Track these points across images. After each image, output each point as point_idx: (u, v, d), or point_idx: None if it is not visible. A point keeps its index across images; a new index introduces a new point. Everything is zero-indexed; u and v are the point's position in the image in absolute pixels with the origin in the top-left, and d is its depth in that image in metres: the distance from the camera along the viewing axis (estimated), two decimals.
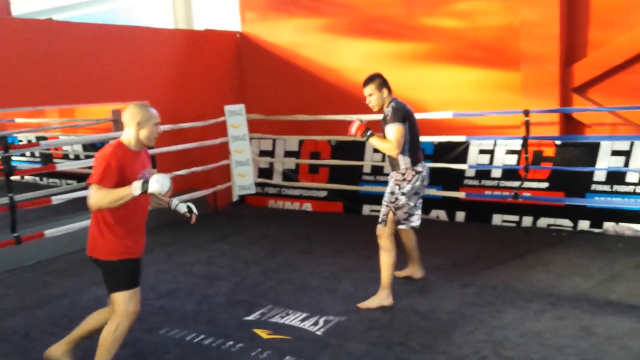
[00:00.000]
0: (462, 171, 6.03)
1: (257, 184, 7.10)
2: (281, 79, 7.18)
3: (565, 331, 3.34)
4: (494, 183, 5.91)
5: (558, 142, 5.60)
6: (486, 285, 4.17)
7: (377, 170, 6.55)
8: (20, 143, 8.10)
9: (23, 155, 8.31)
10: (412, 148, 3.81)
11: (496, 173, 5.91)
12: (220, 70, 7.25)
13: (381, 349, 3.23)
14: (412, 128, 3.82)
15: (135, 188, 2.65)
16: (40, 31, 5.45)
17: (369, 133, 3.73)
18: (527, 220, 5.72)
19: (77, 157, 8.07)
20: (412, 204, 3.83)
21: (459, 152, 6.06)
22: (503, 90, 5.86)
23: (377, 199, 6.52)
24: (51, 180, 8.24)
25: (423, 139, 6.18)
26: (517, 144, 5.71)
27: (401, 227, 3.91)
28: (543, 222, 5.63)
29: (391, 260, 3.78)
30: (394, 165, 3.88)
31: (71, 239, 5.24)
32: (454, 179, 6.07)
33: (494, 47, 5.88)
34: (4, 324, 3.82)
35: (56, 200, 5.08)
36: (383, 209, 3.88)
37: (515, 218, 5.80)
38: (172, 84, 6.69)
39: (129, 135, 2.84)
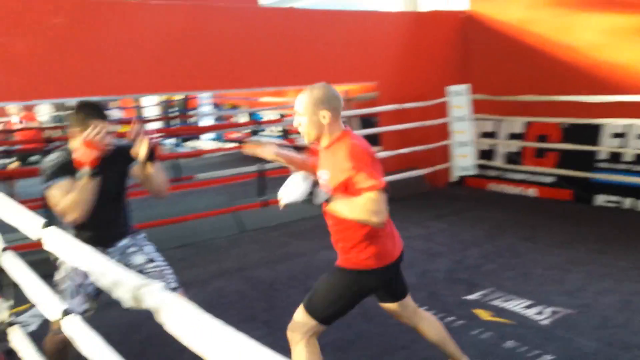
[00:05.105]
0: None
1: (477, 166, 6.99)
2: (508, 57, 6.89)
3: None
4: None
5: None
6: None
7: (615, 156, 5.94)
8: (263, 119, 9.18)
9: (263, 130, 9.39)
10: None
11: None
12: (444, 51, 7.24)
13: (616, 349, 3.00)
14: None
15: None
16: (283, 18, 6.08)
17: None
18: None
19: None
20: None
21: None
22: None
23: (612, 188, 5.96)
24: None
25: None
26: None
27: None
28: None
29: None
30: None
31: (307, 205, 5.85)
32: None
33: None
34: (253, 274, 4.46)
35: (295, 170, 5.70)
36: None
37: None
38: (397, 65, 6.90)
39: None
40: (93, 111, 2.51)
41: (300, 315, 2.34)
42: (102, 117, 2.52)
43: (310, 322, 2.30)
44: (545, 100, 6.32)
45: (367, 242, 2.28)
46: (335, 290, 2.32)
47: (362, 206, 2.11)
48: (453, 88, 6.69)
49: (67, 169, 2.47)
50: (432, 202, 6.60)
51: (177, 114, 11.00)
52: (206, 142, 11.37)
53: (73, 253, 1.50)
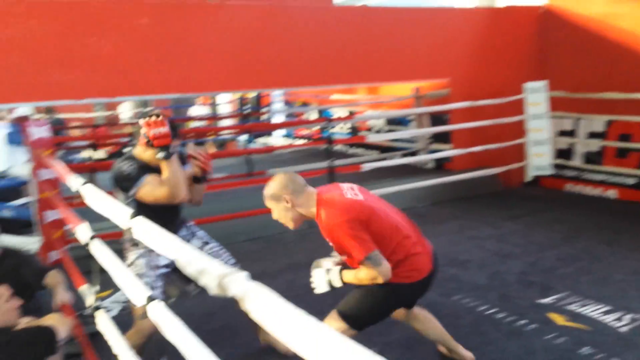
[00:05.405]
0: None
1: (554, 165, 6.73)
2: (588, 53, 6.59)
3: None
4: None
5: None
6: None
7: None
8: (332, 117, 9.25)
9: (333, 127, 9.48)
10: None
11: None
12: (520, 47, 7.03)
13: None
14: None
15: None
16: (356, 16, 6.09)
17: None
18: None
19: (378, 131, 8.84)
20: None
21: None
22: None
23: None
24: (355, 150, 9.23)
25: None
26: None
27: None
28: None
29: None
30: None
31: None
32: None
33: None
34: None
35: (365, 167, 5.74)
36: None
37: None
38: (471, 61, 6.77)
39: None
40: None
41: (332, 319, 2.45)
42: (174, 133, 2.67)
43: (343, 327, 2.42)
44: (629, 97, 5.99)
45: (398, 263, 2.39)
46: (373, 299, 2.44)
47: (364, 278, 2.34)
48: (530, 84, 6.47)
49: (145, 170, 2.63)
50: (506, 202, 6.43)
51: (249, 111, 11.29)
52: (277, 138, 11.60)
53: (160, 242, 1.60)
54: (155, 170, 2.64)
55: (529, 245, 4.83)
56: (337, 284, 2.46)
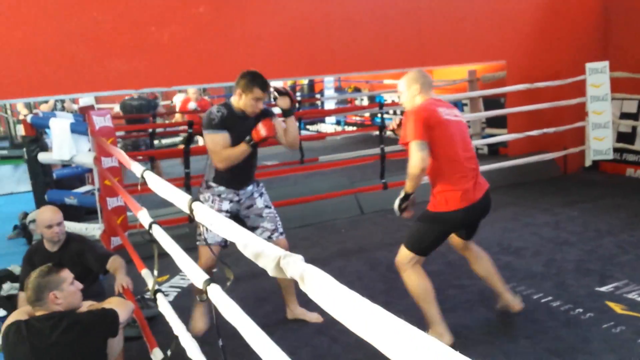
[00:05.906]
0: None
1: (615, 149, 6.46)
2: None
3: None
4: None
5: None
6: None
7: None
8: (385, 102, 9.18)
9: (387, 113, 9.40)
10: None
11: None
12: (581, 26, 6.75)
13: None
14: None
15: None
16: None
17: None
18: None
19: None
20: None
21: None
22: None
23: None
24: None
25: None
26: None
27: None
28: None
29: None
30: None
31: (424, 190, 5.81)
32: None
33: None
34: (373, 255, 4.55)
35: None
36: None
37: None
38: (529, 42, 6.57)
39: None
40: (256, 79, 3.03)
41: (402, 251, 3.00)
42: (263, 87, 3.02)
43: (411, 254, 2.95)
44: None
45: (438, 190, 2.91)
46: (424, 226, 2.95)
47: (410, 167, 2.82)
48: (591, 65, 6.21)
49: (226, 123, 3.00)
50: (563, 187, 6.25)
51: (301, 97, 11.33)
52: (328, 125, 11.63)
53: (219, 225, 1.66)
54: (241, 118, 3.04)
55: (586, 232, 4.69)
56: (401, 194, 2.95)
